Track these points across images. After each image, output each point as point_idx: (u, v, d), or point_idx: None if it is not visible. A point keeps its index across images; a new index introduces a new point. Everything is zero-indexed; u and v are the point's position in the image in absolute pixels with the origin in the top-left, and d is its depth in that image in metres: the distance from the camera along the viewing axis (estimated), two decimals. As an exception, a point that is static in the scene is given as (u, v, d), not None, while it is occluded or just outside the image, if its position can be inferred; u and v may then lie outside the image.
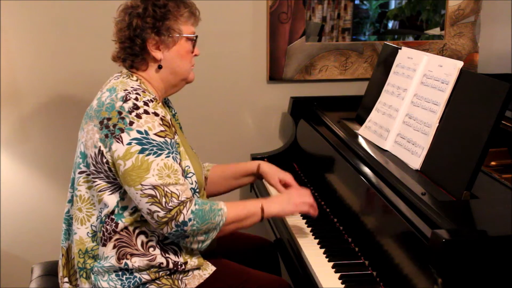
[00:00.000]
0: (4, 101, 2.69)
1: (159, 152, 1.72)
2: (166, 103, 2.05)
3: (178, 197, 1.72)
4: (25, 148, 2.76)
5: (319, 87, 2.88)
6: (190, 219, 1.74)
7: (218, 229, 1.80)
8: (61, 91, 2.73)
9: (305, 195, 1.96)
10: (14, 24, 2.64)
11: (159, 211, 1.71)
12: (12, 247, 2.84)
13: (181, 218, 1.73)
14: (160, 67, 1.85)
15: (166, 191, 1.71)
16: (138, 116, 1.72)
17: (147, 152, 1.71)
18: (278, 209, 1.90)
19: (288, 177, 2.11)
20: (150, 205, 1.71)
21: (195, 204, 1.76)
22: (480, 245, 1.39)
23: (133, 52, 1.83)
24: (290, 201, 1.92)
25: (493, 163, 2.11)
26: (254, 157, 2.69)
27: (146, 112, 1.73)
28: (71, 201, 1.90)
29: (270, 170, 2.13)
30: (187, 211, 1.73)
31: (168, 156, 1.74)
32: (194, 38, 1.89)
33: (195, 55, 1.92)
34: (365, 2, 2.86)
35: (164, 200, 1.71)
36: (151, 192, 1.70)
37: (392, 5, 2.90)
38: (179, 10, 1.84)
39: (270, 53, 2.80)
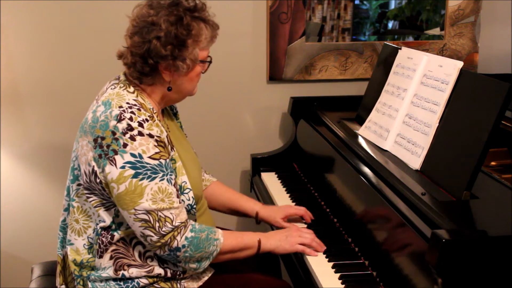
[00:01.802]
0: (4, 101, 2.69)
1: (153, 176, 1.69)
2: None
3: (172, 221, 1.70)
4: (25, 148, 2.76)
5: (319, 87, 2.88)
6: (184, 246, 1.73)
7: (211, 258, 1.79)
8: (61, 91, 2.73)
9: (304, 236, 1.91)
10: (14, 24, 2.64)
11: (152, 236, 1.70)
12: (12, 247, 2.84)
13: (174, 244, 1.71)
14: (169, 89, 1.80)
15: (160, 216, 1.69)
16: (132, 138, 1.67)
17: (140, 176, 1.68)
18: (274, 246, 1.88)
19: (288, 211, 2.10)
20: (143, 229, 1.69)
21: (191, 231, 1.74)
22: (480, 245, 1.39)
23: (142, 71, 1.76)
24: (287, 239, 1.89)
25: (493, 163, 2.11)
26: (254, 157, 2.69)
27: (140, 133, 1.68)
28: (67, 209, 1.88)
29: (269, 216, 2.10)
30: (181, 238, 1.72)
31: (163, 179, 1.70)
32: (209, 62, 1.85)
33: (204, 72, 1.87)
34: (365, 2, 2.86)
35: (157, 224, 1.69)
36: (145, 216, 1.68)
37: (392, 5, 2.90)
38: (200, 36, 1.77)
39: (270, 53, 2.80)
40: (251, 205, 2.14)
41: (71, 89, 2.73)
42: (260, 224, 2.18)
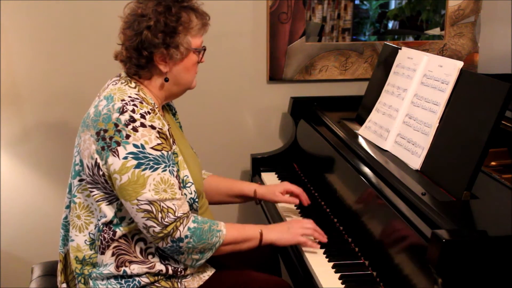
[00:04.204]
0: (4, 101, 2.69)
1: (156, 166, 1.70)
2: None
3: (175, 212, 1.71)
4: (25, 148, 2.76)
5: (319, 87, 2.88)
6: (186, 236, 1.73)
7: (213, 250, 1.79)
8: (61, 91, 2.73)
9: (306, 226, 1.92)
10: (14, 25, 2.64)
11: (155, 227, 1.70)
12: (12, 247, 2.84)
13: (177, 235, 1.72)
14: (166, 80, 1.82)
15: (163, 206, 1.70)
16: (135, 129, 1.69)
17: (143, 166, 1.69)
18: (276, 237, 1.88)
19: (285, 186, 2.13)
20: (146, 220, 1.70)
21: (193, 222, 1.75)
22: (480, 245, 1.39)
23: (139, 63, 1.79)
24: (289, 230, 1.90)
25: (493, 163, 2.11)
26: (254, 157, 2.69)
27: (142, 125, 1.70)
28: (68, 207, 1.88)
29: (268, 191, 2.13)
30: (184, 228, 1.73)
31: (165, 170, 1.71)
32: (203, 50, 1.87)
33: (200, 62, 1.89)
34: (365, 2, 2.86)
35: (160, 215, 1.70)
36: (147, 207, 1.69)
37: (392, 5, 2.90)
38: (190, 23, 1.80)
39: (270, 53, 2.80)
40: (248, 185, 2.17)
41: (71, 89, 2.73)
42: (261, 203, 2.20)
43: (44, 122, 2.75)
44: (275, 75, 2.83)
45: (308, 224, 1.94)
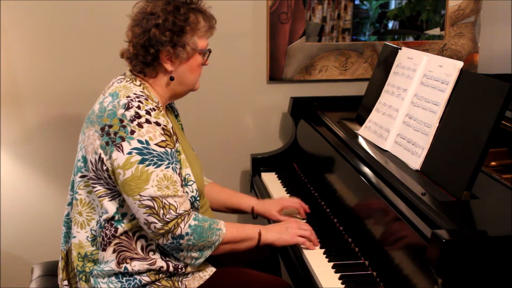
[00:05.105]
0: (4, 101, 2.69)
1: (159, 162, 1.72)
2: (168, 103, 2.04)
3: (176, 209, 1.72)
4: (25, 148, 2.76)
5: (319, 87, 2.88)
6: (187, 233, 1.74)
7: (213, 248, 1.81)
8: (60, 91, 2.73)
9: (303, 228, 1.94)
10: (14, 25, 2.64)
11: (156, 223, 1.71)
12: (12, 247, 2.84)
13: (178, 232, 1.73)
14: (172, 78, 1.84)
15: (164, 203, 1.71)
16: (140, 125, 1.71)
17: (147, 162, 1.70)
18: (275, 238, 1.90)
19: (283, 203, 2.13)
20: (147, 216, 1.71)
21: (194, 219, 1.76)
22: (480, 245, 1.39)
23: (145, 60, 1.82)
24: (287, 230, 1.92)
25: (493, 163, 2.11)
26: (254, 157, 2.69)
27: (147, 121, 1.72)
28: (71, 203, 1.89)
29: (265, 210, 2.13)
30: (185, 225, 1.74)
31: (168, 167, 1.73)
32: (208, 52, 1.89)
33: (205, 64, 1.91)
34: (365, 2, 2.86)
35: (162, 211, 1.71)
36: (149, 203, 1.70)
37: (392, 5, 2.90)
38: (198, 24, 1.83)
39: (270, 53, 2.80)
40: (247, 200, 2.17)
41: (71, 89, 2.73)
42: (257, 219, 2.19)
43: (44, 122, 2.75)
44: (275, 75, 2.83)
45: (306, 227, 1.96)
